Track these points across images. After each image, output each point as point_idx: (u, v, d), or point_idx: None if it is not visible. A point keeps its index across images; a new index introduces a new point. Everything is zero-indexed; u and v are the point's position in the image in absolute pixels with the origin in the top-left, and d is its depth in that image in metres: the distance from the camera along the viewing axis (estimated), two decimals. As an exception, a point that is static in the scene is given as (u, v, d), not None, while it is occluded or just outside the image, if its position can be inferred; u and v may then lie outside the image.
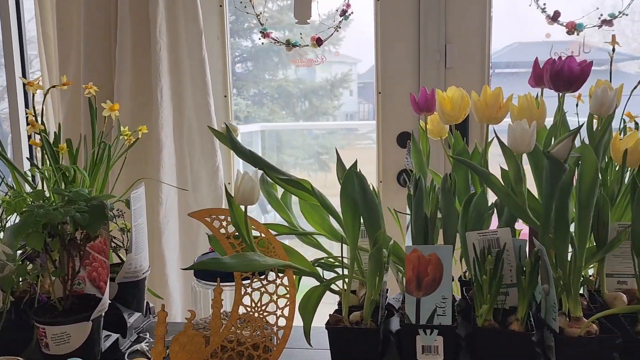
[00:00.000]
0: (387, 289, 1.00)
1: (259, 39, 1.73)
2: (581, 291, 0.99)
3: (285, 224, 1.06)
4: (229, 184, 1.89)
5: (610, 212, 1.01)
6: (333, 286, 0.96)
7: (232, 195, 0.90)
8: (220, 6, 1.83)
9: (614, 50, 1.09)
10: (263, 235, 0.93)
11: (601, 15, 1.56)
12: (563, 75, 0.98)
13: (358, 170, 0.91)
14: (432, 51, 1.65)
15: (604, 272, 0.99)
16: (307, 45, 1.71)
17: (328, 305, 0.99)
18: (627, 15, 1.53)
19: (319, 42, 1.67)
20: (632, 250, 0.92)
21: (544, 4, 1.58)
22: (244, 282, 0.92)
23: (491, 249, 0.92)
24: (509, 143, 0.89)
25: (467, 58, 1.65)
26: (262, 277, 0.93)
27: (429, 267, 0.89)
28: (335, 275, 0.97)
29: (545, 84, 1.01)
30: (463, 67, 1.66)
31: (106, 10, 1.70)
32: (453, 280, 0.92)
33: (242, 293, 0.91)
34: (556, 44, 1.63)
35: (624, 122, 1.09)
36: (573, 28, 1.57)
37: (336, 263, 1.01)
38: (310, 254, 1.04)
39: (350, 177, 0.92)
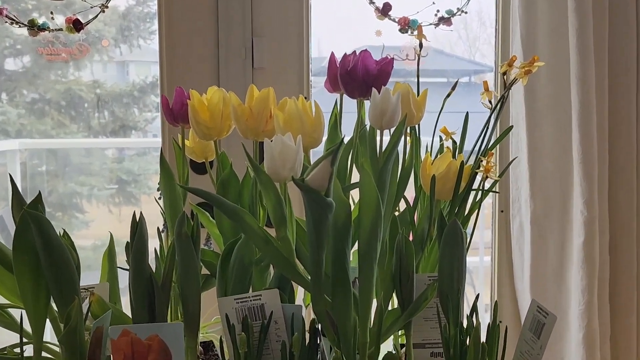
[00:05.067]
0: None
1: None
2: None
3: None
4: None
5: (422, 260, 0.93)
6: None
7: None
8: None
9: (421, 46, 1.03)
10: None
11: (438, 11, 1.54)
12: (356, 75, 0.89)
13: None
14: (236, 47, 1.54)
15: (411, 341, 0.89)
16: (60, 30, 1.49)
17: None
18: (466, 13, 1.53)
19: (77, 25, 1.45)
20: (437, 308, 0.85)
21: (372, -6, 1.53)
22: None
23: (255, 320, 0.81)
24: (266, 166, 0.76)
25: (281, 56, 1.57)
26: None
27: (150, 356, 0.72)
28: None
29: (341, 87, 0.93)
30: (276, 68, 1.57)
31: None
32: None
33: None
34: (389, 48, 1.63)
35: (441, 138, 1.02)
36: (406, 25, 1.53)
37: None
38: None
39: (24, 223, 0.72)
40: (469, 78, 2.53)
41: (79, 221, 2.58)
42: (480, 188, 0.96)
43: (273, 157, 0.75)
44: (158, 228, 0.95)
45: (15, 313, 0.86)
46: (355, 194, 0.85)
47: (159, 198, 0.98)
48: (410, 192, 0.96)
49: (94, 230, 2.58)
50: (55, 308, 0.78)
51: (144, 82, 2.61)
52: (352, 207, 0.85)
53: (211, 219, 0.97)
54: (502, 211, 1.57)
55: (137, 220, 0.77)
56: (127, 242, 0.79)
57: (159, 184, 0.97)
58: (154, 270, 0.81)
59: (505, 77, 0.97)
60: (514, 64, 0.95)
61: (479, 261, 2.39)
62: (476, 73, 2.54)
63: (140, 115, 2.62)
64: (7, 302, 0.86)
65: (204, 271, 0.92)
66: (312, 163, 0.79)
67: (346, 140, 0.94)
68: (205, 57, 1.56)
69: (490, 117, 0.98)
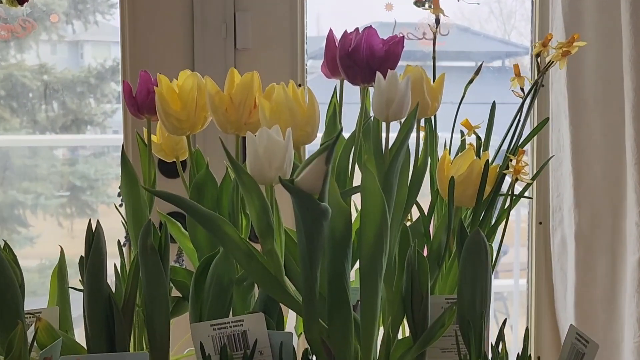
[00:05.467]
0: None
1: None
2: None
3: None
4: None
5: (439, 279, 0.96)
6: None
7: None
8: None
9: (437, 22, 1.06)
10: None
11: (465, -21, 1.58)
12: (359, 57, 0.93)
13: None
14: (215, 23, 1.57)
15: (426, 377, 0.91)
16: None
17: None
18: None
19: (20, -2, 1.48)
20: (456, 337, 0.88)
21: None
22: None
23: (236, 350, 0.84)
24: (250, 165, 0.79)
25: (270, 34, 1.60)
26: None
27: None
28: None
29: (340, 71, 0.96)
30: (264, 49, 1.60)
31: None
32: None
33: None
34: (403, 25, 1.66)
35: (462, 133, 1.05)
36: None
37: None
38: None
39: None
40: (501, 62, 2.56)
41: (22, 237, 2.61)
42: (510, 193, 0.98)
43: (257, 154, 0.78)
44: (119, 241, 0.98)
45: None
46: (358, 201, 0.88)
47: (120, 205, 1.01)
48: (424, 198, 0.99)
49: (41, 247, 2.61)
50: (-5, 336, 0.81)
51: (102, 67, 2.65)
52: (354, 216, 0.89)
53: (183, 230, 1.00)
54: (540, 223, 1.60)
55: (94, 230, 0.80)
56: (82, 256, 0.82)
57: (120, 187, 1.00)
58: (113, 291, 0.84)
59: (539, 59, 1.00)
60: (549, 44, 0.98)
61: (513, 285, 2.42)
62: (511, 55, 2.57)
63: (97, 107, 2.66)
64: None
65: (175, 293, 0.95)
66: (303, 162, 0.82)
67: (348, 135, 0.97)
68: (177, 36, 1.59)
69: (521, 107, 1.01)
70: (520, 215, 2.27)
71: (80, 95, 2.63)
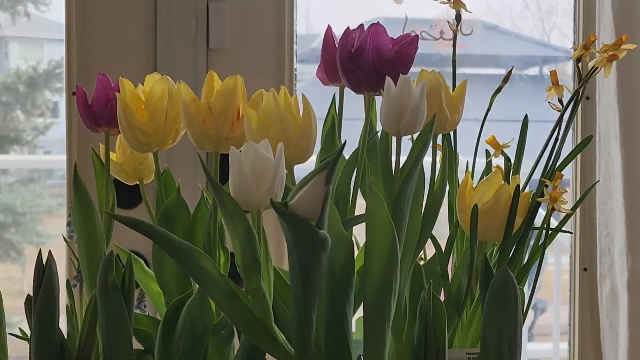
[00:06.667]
0: None
1: None
2: None
3: None
4: None
5: (458, 329, 1.01)
6: None
7: None
8: None
9: (458, 18, 1.12)
10: None
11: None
12: (364, 59, 0.97)
13: None
14: (183, 15, 1.63)
15: None
16: None
17: None
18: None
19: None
20: None
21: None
22: None
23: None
24: (233, 187, 0.85)
25: (251, 31, 1.66)
26: None
27: None
28: None
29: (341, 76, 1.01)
30: (243, 49, 1.65)
31: None
32: None
33: None
34: (416, 22, 1.70)
35: (488, 154, 1.11)
36: None
37: None
38: None
39: None
40: (538, 69, 2.59)
41: None
42: (545, 226, 1.04)
43: (243, 174, 0.83)
44: (68, 282, 1.03)
45: None
46: (359, 233, 0.93)
47: (70, 237, 1.07)
48: (440, 228, 1.04)
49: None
50: None
51: (35, 71, 2.67)
52: (357, 252, 0.93)
53: (146, 268, 1.05)
54: (584, 270, 1.65)
55: (45, 262, 0.85)
56: (29, 295, 0.87)
57: (69, 216, 1.05)
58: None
59: (580, 65, 1.06)
60: (592, 47, 1.04)
61: (552, 350, 2.46)
62: (550, 61, 2.61)
63: (27, 120, 2.68)
64: None
65: (136, 345, 0.99)
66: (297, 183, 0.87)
67: (348, 155, 1.02)
68: (136, 32, 1.63)
69: (559, 121, 1.07)
70: (561, 264, 2.31)
71: (4, 107, 2.65)
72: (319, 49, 1.05)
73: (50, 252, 0.87)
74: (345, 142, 0.89)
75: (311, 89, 1.58)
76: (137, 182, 1.08)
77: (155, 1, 1.63)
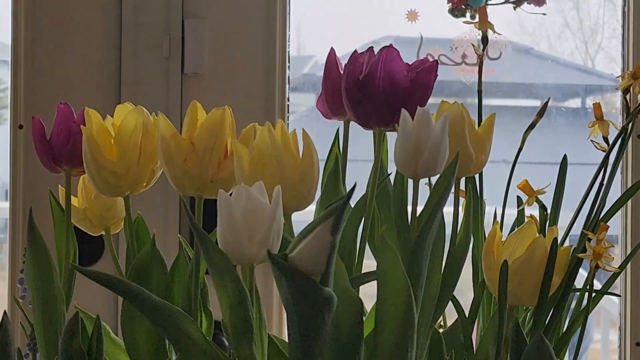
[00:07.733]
0: None
1: None
2: None
3: None
4: None
5: None
6: None
7: None
8: None
9: (485, 41, 1.17)
10: None
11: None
12: (374, 88, 1.01)
13: None
14: (152, 35, 1.65)
15: None
16: None
17: None
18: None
19: None
20: None
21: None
22: None
23: None
24: (221, 237, 0.88)
25: (234, 53, 1.71)
26: None
27: None
28: None
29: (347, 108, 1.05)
30: (224, 75, 1.70)
31: None
32: None
33: None
34: (432, 42, 1.73)
35: (520, 201, 1.15)
36: (462, 2, 1.67)
37: None
38: None
39: None
40: (580, 100, 2.59)
41: None
42: (588, 287, 1.07)
43: (234, 221, 0.86)
44: (19, 349, 1.07)
45: None
46: (368, 291, 0.97)
47: (22, 297, 1.10)
48: (463, 286, 1.07)
49: None
50: None
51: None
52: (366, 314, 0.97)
53: (113, 335, 1.09)
54: (637, 344, 1.68)
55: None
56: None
57: (22, 272, 1.10)
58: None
59: (628, 97, 1.10)
60: None
61: None
62: (594, 91, 2.60)
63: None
64: None
65: None
66: (296, 235, 0.89)
67: (354, 200, 1.06)
68: (97, 54, 1.68)
69: (604, 163, 1.11)
70: (609, 340, 2.32)
71: None
72: (313, 73, 1.07)
73: (5, 312, 0.91)
74: (355, 185, 0.90)
75: (307, 123, 1.60)
76: (103, 233, 1.13)
77: (120, 17, 1.66)
